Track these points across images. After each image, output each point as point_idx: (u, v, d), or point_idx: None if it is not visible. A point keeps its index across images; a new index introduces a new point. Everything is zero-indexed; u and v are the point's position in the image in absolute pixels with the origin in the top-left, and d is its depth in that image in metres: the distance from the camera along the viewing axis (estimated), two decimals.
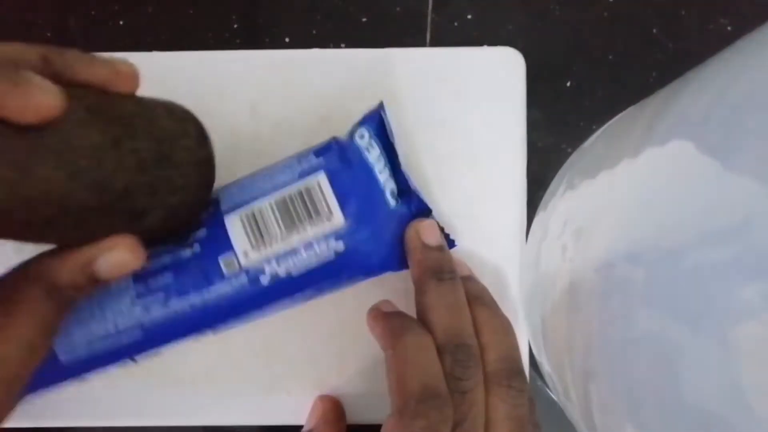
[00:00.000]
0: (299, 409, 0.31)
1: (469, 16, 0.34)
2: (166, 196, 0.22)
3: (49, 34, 0.33)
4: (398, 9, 0.34)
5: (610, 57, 0.34)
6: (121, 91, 0.21)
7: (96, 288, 0.22)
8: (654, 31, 0.34)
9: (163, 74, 0.31)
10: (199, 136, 0.24)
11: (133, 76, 0.22)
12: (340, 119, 0.32)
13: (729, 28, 0.34)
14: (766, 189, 0.15)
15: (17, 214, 0.19)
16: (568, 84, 0.34)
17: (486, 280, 0.32)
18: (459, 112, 0.33)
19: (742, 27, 0.34)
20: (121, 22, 0.34)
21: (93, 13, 0.34)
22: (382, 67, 0.32)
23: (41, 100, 0.18)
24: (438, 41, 0.34)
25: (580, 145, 0.33)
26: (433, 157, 0.32)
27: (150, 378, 0.32)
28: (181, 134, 0.23)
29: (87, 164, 0.19)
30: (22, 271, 0.21)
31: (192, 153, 0.23)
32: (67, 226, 0.20)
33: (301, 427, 0.31)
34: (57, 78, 0.20)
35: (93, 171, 0.20)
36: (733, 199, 0.16)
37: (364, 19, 0.34)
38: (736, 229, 0.16)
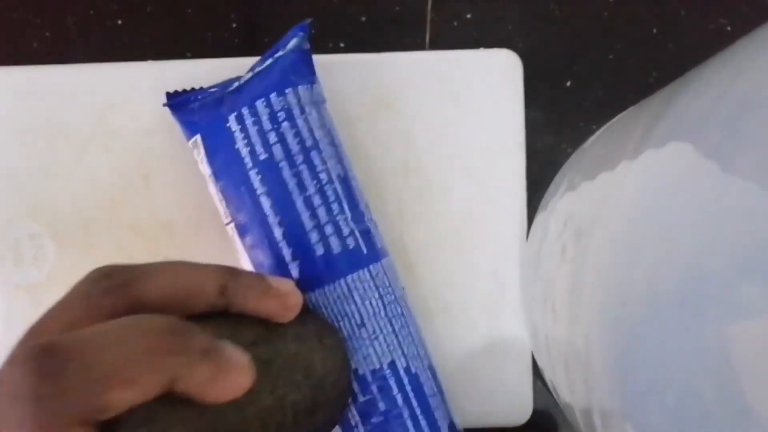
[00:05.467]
0: None
1: (469, 16, 0.33)
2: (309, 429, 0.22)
3: (48, 34, 0.33)
4: (397, 8, 0.33)
5: (610, 57, 0.34)
6: (284, 321, 0.22)
7: None
8: (654, 31, 0.34)
9: (161, 82, 0.31)
10: (345, 366, 0.24)
11: (298, 307, 0.22)
12: (338, 124, 0.32)
13: (729, 28, 0.34)
14: (764, 190, 0.15)
15: None
16: (568, 84, 0.34)
17: (486, 281, 0.32)
18: (457, 115, 0.32)
19: (742, 27, 0.33)
20: (119, 22, 0.34)
21: (91, 12, 0.34)
22: (380, 71, 0.32)
23: (238, 382, 0.18)
24: (437, 41, 0.34)
25: (580, 145, 0.33)
26: (433, 160, 0.32)
27: None
28: (331, 372, 0.23)
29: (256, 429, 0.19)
30: None
31: (337, 387, 0.23)
32: None
33: None
34: (227, 307, 0.20)
35: None
36: (732, 200, 0.16)
37: (363, 19, 0.33)
38: (734, 229, 0.16)
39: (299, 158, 0.27)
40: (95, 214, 0.32)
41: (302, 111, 0.28)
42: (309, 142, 0.27)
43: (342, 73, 0.32)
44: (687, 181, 0.18)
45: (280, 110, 0.27)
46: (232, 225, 0.28)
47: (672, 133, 0.20)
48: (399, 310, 0.28)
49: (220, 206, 0.28)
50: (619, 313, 0.21)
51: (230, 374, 0.18)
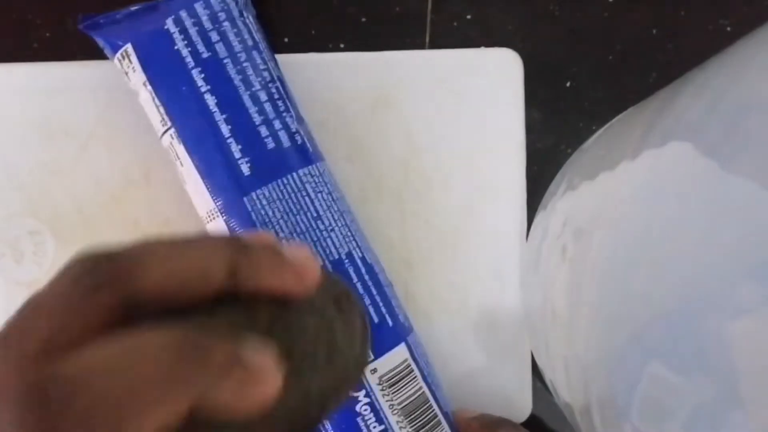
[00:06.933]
0: None
1: (469, 17, 0.34)
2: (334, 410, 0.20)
3: (48, 35, 0.33)
4: (397, 8, 0.33)
5: (610, 57, 0.34)
6: (301, 296, 0.18)
7: None
8: (654, 31, 0.34)
9: None
10: (365, 334, 0.21)
11: (317, 277, 0.19)
12: (338, 123, 0.32)
13: (728, 28, 0.34)
14: (764, 190, 0.15)
15: None
16: (568, 84, 0.34)
17: (486, 281, 0.32)
18: (458, 114, 0.33)
19: (742, 27, 0.33)
20: None
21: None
22: (381, 70, 0.32)
23: (268, 389, 0.15)
24: (437, 42, 0.34)
25: (580, 145, 0.33)
26: (433, 159, 0.32)
27: None
28: (353, 344, 0.20)
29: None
30: None
31: (360, 359, 0.21)
32: None
33: None
34: (237, 286, 0.17)
35: None
36: (732, 200, 0.16)
37: (363, 20, 0.34)
38: (734, 228, 0.16)
39: (242, 56, 0.27)
40: (96, 210, 0.32)
41: (241, 14, 0.28)
42: (250, 42, 0.28)
43: (342, 73, 0.32)
44: (687, 181, 0.18)
45: (220, 11, 0.27)
46: (171, 132, 0.27)
47: (672, 133, 0.20)
48: (346, 206, 0.29)
49: (156, 114, 0.28)
50: (619, 313, 0.21)
51: (259, 384, 0.15)
